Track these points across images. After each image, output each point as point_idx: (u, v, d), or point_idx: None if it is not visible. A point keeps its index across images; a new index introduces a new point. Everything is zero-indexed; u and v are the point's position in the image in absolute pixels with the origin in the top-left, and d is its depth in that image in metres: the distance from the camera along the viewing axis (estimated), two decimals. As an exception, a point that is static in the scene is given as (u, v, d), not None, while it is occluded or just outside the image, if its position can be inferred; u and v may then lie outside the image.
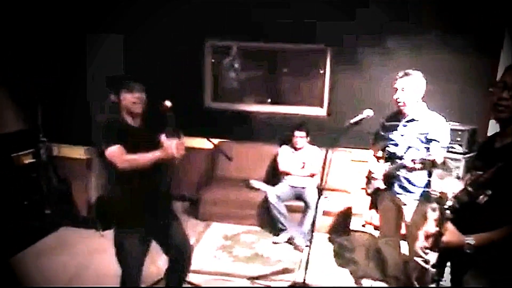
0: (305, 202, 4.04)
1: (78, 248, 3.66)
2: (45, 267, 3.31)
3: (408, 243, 2.90)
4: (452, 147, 3.63)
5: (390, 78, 2.78)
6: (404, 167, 2.64)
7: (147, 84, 2.40)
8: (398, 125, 2.78)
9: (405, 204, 2.78)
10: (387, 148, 2.83)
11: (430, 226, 1.79)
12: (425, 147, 2.66)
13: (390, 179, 2.79)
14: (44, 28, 3.99)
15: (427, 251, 2.67)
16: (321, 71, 4.70)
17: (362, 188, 3.00)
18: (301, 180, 4.18)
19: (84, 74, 4.10)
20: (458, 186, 1.71)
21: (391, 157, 2.79)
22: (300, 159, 4.28)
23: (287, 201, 4.11)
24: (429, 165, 2.64)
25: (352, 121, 2.78)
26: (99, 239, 3.74)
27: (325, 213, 4.02)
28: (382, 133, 2.90)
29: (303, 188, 4.12)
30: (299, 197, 4.15)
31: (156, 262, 3.02)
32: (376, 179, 2.85)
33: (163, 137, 2.37)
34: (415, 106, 2.71)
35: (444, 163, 3.66)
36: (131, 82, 2.33)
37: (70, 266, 3.34)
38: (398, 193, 2.79)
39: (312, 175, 4.18)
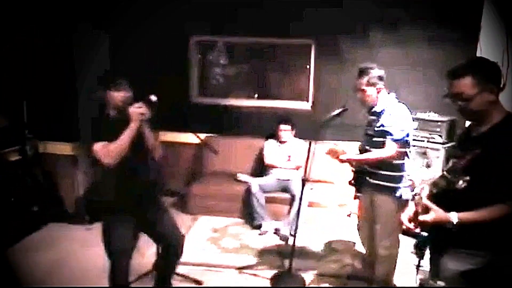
0: (291, 194, 4.12)
1: (66, 243, 3.67)
2: (34, 262, 3.32)
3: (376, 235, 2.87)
4: (432, 137, 3.75)
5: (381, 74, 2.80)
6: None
7: (134, 80, 2.43)
8: (368, 120, 2.81)
9: (375, 197, 2.78)
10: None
11: (410, 211, 1.82)
12: (381, 141, 2.64)
13: (360, 173, 2.81)
14: (30, 23, 3.95)
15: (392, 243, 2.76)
16: (307, 66, 4.78)
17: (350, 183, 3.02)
18: (286, 172, 4.26)
19: (70, 70, 4.07)
20: (430, 174, 1.77)
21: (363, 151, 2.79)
22: (285, 152, 4.36)
23: (273, 193, 4.20)
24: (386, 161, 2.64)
25: (332, 114, 2.88)
26: (87, 234, 3.76)
27: (310, 204, 4.10)
28: (365, 128, 2.91)
29: (289, 180, 4.20)
30: (285, 189, 4.23)
31: (145, 254, 3.06)
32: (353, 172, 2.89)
33: (129, 108, 2.32)
34: (381, 99, 2.70)
35: (425, 153, 3.81)
36: (118, 81, 2.36)
37: (58, 261, 3.36)
38: (369, 188, 2.79)
39: (298, 168, 4.26)
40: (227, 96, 5.04)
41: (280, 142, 4.41)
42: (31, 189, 3.95)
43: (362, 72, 2.67)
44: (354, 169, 2.89)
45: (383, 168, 2.67)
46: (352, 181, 2.92)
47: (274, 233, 3.99)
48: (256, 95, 5.07)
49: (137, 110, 2.27)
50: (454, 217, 1.62)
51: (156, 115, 2.39)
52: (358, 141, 2.93)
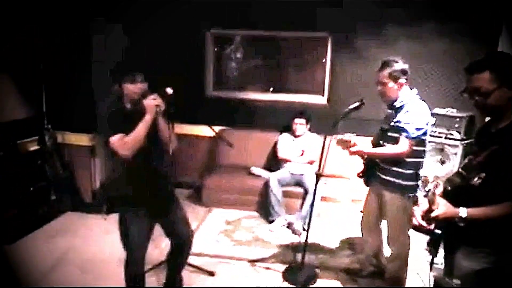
0: (304, 188, 4.11)
1: (83, 232, 3.76)
2: (51, 249, 3.41)
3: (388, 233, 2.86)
4: (450, 134, 3.68)
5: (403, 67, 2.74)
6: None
7: (149, 73, 2.45)
8: (388, 115, 2.75)
9: (383, 194, 2.75)
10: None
11: (424, 207, 1.81)
12: (395, 136, 2.60)
13: (371, 168, 2.78)
14: (48, 15, 4.02)
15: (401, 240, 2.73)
16: (322, 60, 4.73)
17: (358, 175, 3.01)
18: (300, 167, 4.25)
19: (88, 62, 4.14)
20: (445, 170, 1.76)
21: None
22: (299, 146, 4.34)
23: (286, 187, 4.19)
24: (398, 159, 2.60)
25: (349, 107, 2.84)
26: (103, 224, 3.84)
27: (323, 199, 4.08)
28: (382, 122, 2.86)
29: (302, 175, 4.19)
30: (298, 183, 4.22)
31: (159, 246, 3.11)
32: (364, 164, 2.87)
33: (144, 101, 2.32)
34: (401, 94, 2.63)
35: (442, 149, 3.74)
36: (133, 73, 2.37)
37: (75, 249, 3.44)
38: (379, 183, 2.76)
39: (311, 162, 4.24)
40: (242, 90, 5.04)
41: (295, 136, 4.39)
42: (49, 178, 4.05)
43: (385, 64, 2.61)
44: (365, 162, 2.85)
45: (395, 165, 2.63)
46: (361, 174, 2.90)
47: (287, 227, 3.99)
48: (271, 89, 5.05)
49: (152, 102, 2.29)
50: (463, 212, 1.61)
51: (172, 107, 2.40)
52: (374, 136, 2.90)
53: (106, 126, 2.31)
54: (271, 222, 4.07)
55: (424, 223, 1.78)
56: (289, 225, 3.99)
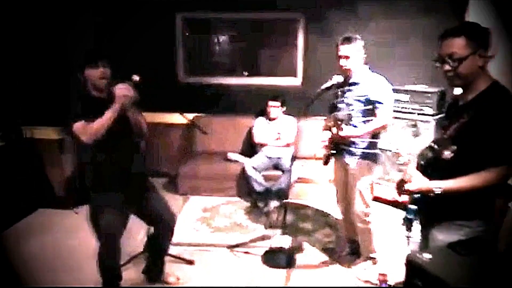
0: (283, 170, 4.10)
1: (56, 228, 3.64)
2: (24, 249, 3.30)
3: (348, 205, 2.95)
4: (422, 109, 3.72)
5: (364, 45, 2.72)
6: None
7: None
8: (343, 90, 2.76)
9: (350, 167, 2.79)
10: (334, 115, 2.76)
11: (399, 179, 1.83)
12: (367, 109, 2.64)
13: (335, 144, 2.79)
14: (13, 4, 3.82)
15: (368, 212, 2.79)
16: (295, 41, 4.67)
17: (317, 158, 3.00)
18: (277, 150, 4.22)
19: (55, 53, 3.97)
20: (418, 144, 1.77)
21: (336, 123, 2.68)
22: (275, 129, 4.31)
23: (265, 171, 4.16)
24: (380, 130, 2.71)
25: (322, 87, 2.81)
26: (76, 219, 3.73)
27: (300, 180, 4.08)
28: (334, 101, 2.87)
29: (280, 158, 4.17)
30: (276, 166, 4.21)
31: (136, 237, 3.04)
32: (326, 146, 2.83)
33: (113, 88, 2.27)
34: (359, 70, 2.70)
35: (415, 125, 3.78)
36: (94, 57, 2.28)
37: (48, 247, 3.33)
38: (345, 157, 2.79)
39: (288, 145, 4.22)
40: (216, 75, 4.94)
41: (270, 119, 4.36)
42: (18, 176, 3.89)
43: (348, 40, 2.64)
44: (332, 141, 2.80)
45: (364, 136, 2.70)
46: (327, 157, 2.87)
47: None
48: (245, 73, 4.98)
49: (122, 91, 2.21)
50: (436, 185, 1.62)
51: (141, 95, 2.32)
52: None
53: (71, 111, 2.23)
54: (261, 207, 4.02)
55: (396, 195, 1.82)
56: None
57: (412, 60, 4.28)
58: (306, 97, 4.20)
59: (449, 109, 1.93)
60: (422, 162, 1.73)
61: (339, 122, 2.61)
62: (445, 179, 1.63)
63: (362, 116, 2.66)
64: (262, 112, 4.44)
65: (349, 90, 2.73)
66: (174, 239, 3.31)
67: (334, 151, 2.79)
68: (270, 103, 4.28)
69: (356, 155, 2.75)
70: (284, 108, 4.35)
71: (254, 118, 4.50)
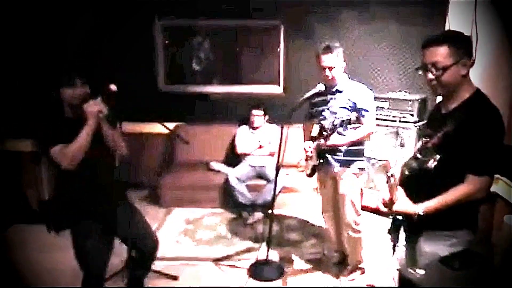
0: (267, 179, 4.05)
1: (32, 246, 3.47)
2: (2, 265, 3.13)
3: (335, 214, 2.94)
4: (404, 117, 3.74)
5: (344, 51, 2.71)
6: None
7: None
8: (326, 99, 2.73)
9: (339, 175, 2.76)
10: (317, 124, 2.69)
11: (385, 195, 1.83)
12: (351, 117, 2.58)
13: (321, 154, 2.74)
14: None
15: (359, 221, 2.78)
16: (277, 49, 4.66)
17: (300, 171, 2.99)
18: (260, 159, 4.17)
19: (27, 64, 3.84)
20: (403, 153, 1.77)
21: (322, 132, 2.63)
22: (258, 138, 4.26)
23: (249, 181, 4.10)
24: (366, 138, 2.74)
25: (304, 96, 2.78)
26: (53, 236, 3.56)
27: (284, 189, 4.04)
28: (311, 110, 2.84)
29: (263, 166, 4.12)
30: (260, 176, 4.15)
31: (120, 254, 2.91)
32: (310, 156, 2.78)
33: (84, 106, 2.12)
34: (341, 78, 2.69)
35: (397, 133, 3.80)
36: (71, 75, 2.15)
37: (24, 264, 3.18)
38: (332, 166, 2.74)
39: (272, 154, 4.17)
40: (197, 83, 4.87)
41: (253, 128, 4.31)
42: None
43: (330, 48, 2.59)
44: (317, 150, 2.75)
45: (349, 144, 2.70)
46: (313, 164, 2.80)
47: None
48: (226, 81, 4.92)
49: (94, 108, 2.08)
50: (419, 209, 1.63)
51: (120, 105, 2.24)
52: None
53: (46, 135, 2.10)
54: (246, 218, 3.95)
55: (383, 208, 1.81)
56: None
57: (393, 67, 4.32)
58: (288, 104, 4.22)
59: (431, 117, 1.93)
60: (406, 172, 1.73)
61: (325, 131, 2.56)
62: (429, 188, 1.63)
63: (347, 124, 2.62)
64: (246, 120, 4.39)
65: (333, 99, 2.71)
66: (157, 254, 3.24)
67: (321, 161, 2.75)
68: (254, 111, 4.24)
69: (343, 164, 2.73)
70: (267, 117, 4.31)
71: (237, 126, 4.44)
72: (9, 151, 3.95)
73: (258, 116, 4.25)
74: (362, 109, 2.63)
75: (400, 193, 1.71)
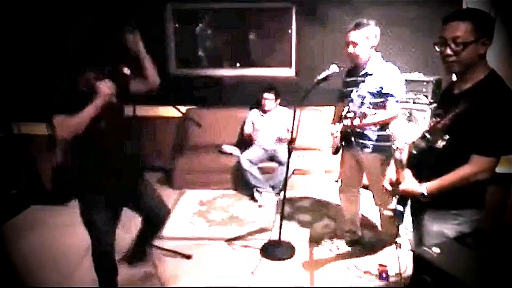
0: (279, 162, 4.07)
1: (49, 225, 3.57)
2: (18, 247, 3.23)
3: (373, 195, 2.97)
4: (418, 98, 3.69)
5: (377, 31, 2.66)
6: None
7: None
8: (356, 81, 2.70)
9: (361, 158, 2.78)
10: (347, 106, 2.71)
11: (392, 174, 1.85)
12: (379, 102, 2.59)
13: (347, 135, 2.73)
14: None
15: (394, 200, 2.78)
16: (288, 31, 4.61)
17: (329, 147, 2.99)
18: (272, 141, 4.18)
19: (40, 47, 3.87)
20: (413, 131, 1.76)
21: (346, 115, 2.63)
22: (269, 121, 4.26)
23: (260, 163, 4.13)
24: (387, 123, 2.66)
25: (318, 78, 2.76)
26: (69, 215, 3.65)
27: (296, 171, 4.06)
28: (344, 90, 2.83)
29: (275, 150, 4.13)
30: (272, 158, 4.17)
31: (131, 231, 2.98)
32: (336, 137, 2.77)
33: (98, 84, 2.15)
34: (370, 58, 2.64)
35: (411, 114, 3.75)
36: (92, 67, 2.18)
37: (42, 244, 3.27)
38: (356, 148, 2.74)
39: (280, 140, 4.17)
40: (208, 66, 4.87)
41: (264, 111, 4.31)
42: (8, 172, 3.82)
43: (359, 25, 2.57)
44: (341, 132, 2.75)
45: (373, 128, 2.67)
46: (337, 145, 2.82)
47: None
48: (238, 64, 4.91)
49: (105, 88, 2.10)
50: (423, 189, 1.65)
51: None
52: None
53: (54, 103, 2.14)
54: (257, 199, 3.98)
55: (389, 187, 1.86)
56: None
57: (407, 49, 4.25)
58: (300, 87, 4.21)
59: (442, 97, 1.91)
60: (414, 152, 1.72)
61: (350, 114, 2.56)
62: (435, 169, 1.64)
63: (372, 108, 2.61)
64: (257, 104, 4.38)
65: (363, 81, 2.67)
66: (171, 233, 3.31)
67: (343, 143, 2.76)
68: (265, 95, 4.23)
69: (371, 148, 2.71)
70: (279, 100, 4.30)
71: (249, 110, 4.44)
72: (25, 135, 4.03)
73: (269, 100, 4.24)
74: (388, 94, 2.58)
75: (407, 173, 1.72)
